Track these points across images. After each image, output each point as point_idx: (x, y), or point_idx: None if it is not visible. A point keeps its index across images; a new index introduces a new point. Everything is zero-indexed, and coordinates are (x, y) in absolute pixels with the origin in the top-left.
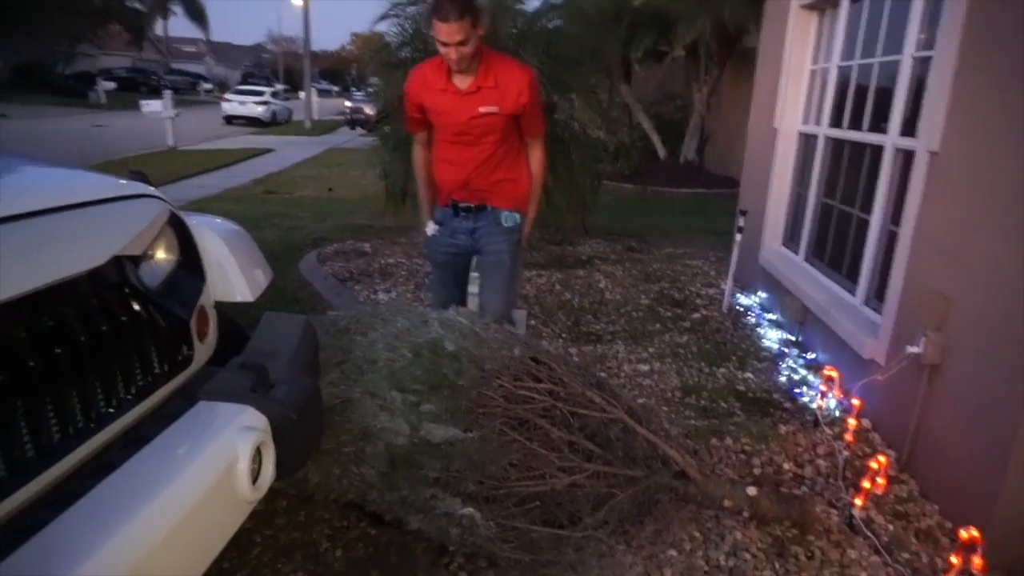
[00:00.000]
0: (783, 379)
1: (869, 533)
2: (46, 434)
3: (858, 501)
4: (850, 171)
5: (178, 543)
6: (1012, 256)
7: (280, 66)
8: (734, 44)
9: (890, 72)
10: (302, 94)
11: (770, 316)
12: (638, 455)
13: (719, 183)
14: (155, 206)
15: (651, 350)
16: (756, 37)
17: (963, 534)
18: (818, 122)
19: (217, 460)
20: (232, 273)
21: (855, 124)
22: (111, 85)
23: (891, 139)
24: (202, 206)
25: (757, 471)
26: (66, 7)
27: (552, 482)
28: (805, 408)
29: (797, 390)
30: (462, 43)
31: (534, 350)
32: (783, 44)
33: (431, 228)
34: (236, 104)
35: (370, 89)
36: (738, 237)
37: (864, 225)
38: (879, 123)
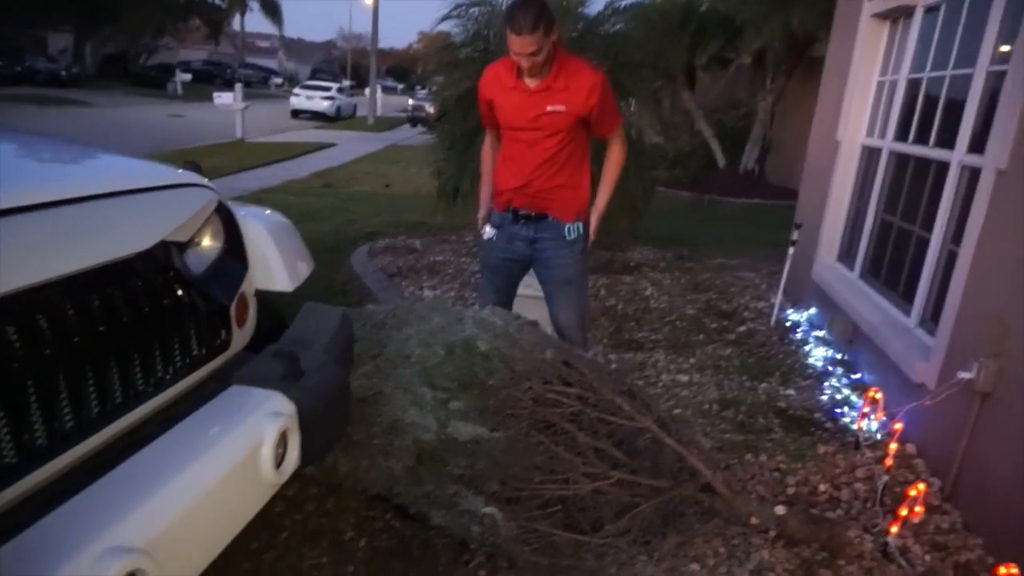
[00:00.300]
0: (826, 398)
1: (904, 562)
2: (86, 408)
3: (893, 528)
4: (912, 187)
5: (200, 516)
6: None
7: (348, 63)
8: (803, 52)
9: (962, 86)
10: (367, 90)
11: (818, 333)
12: (665, 466)
13: (779, 194)
14: (204, 195)
15: (692, 361)
16: (826, 46)
17: (1002, 571)
18: (883, 135)
19: (243, 442)
20: (274, 263)
21: (921, 139)
22: (187, 77)
23: (958, 155)
24: (262, 197)
25: (791, 490)
26: (152, 2)
27: (576, 487)
28: (847, 429)
29: (839, 410)
30: (534, 53)
31: (566, 354)
32: (851, 54)
33: (488, 231)
34: (303, 99)
35: (432, 88)
36: (791, 250)
37: (924, 244)
38: (946, 139)
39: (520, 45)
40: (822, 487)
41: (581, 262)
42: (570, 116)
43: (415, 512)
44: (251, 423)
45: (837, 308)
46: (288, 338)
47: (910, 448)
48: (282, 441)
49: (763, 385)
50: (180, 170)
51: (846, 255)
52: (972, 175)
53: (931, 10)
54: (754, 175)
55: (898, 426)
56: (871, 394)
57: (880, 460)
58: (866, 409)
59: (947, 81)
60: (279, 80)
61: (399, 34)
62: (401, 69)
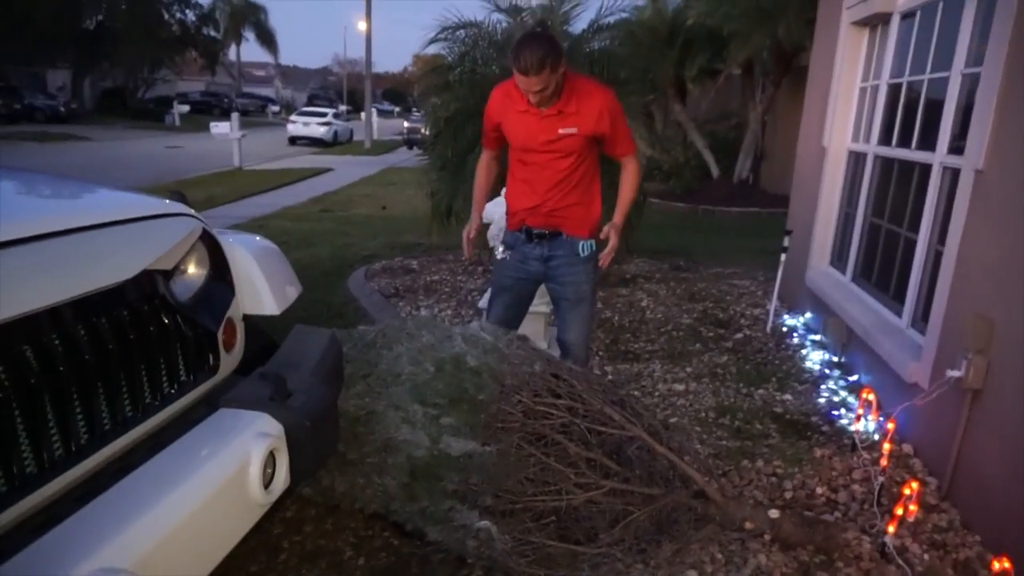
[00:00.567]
0: (823, 401)
1: (902, 562)
2: (74, 435)
3: (890, 528)
4: (898, 190)
5: (189, 536)
6: None
7: (344, 88)
8: (790, 61)
9: (940, 89)
10: (363, 115)
11: (814, 337)
12: (657, 474)
13: (774, 202)
14: (187, 224)
15: (688, 370)
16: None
17: (995, 565)
18: (867, 140)
19: (230, 463)
20: (261, 288)
21: (904, 142)
22: (185, 108)
23: (939, 157)
24: (261, 224)
25: (788, 494)
26: (148, 36)
27: (569, 498)
28: (843, 431)
29: (836, 413)
30: (542, 90)
31: (555, 367)
32: (833, 61)
33: (500, 252)
34: (300, 125)
35: (427, 109)
36: (783, 257)
37: (911, 245)
38: (928, 141)
39: (527, 84)
40: (819, 490)
41: (594, 279)
42: (582, 137)
43: (412, 529)
44: (238, 444)
45: (831, 312)
46: (276, 360)
47: (907, 448)
48: (270, 461)
49: (760, 391)
50: (166, 200)
51: (838, 259)
52: (953, 176)
53: (907, 16)
54: (748, 184)
55: (891, 426)
56: (865, 395)
57: (876, 461)
58: (861, 411)
59: (925, 84)
60: (276, 108)
61: (393, 57)
62: (396, 92)
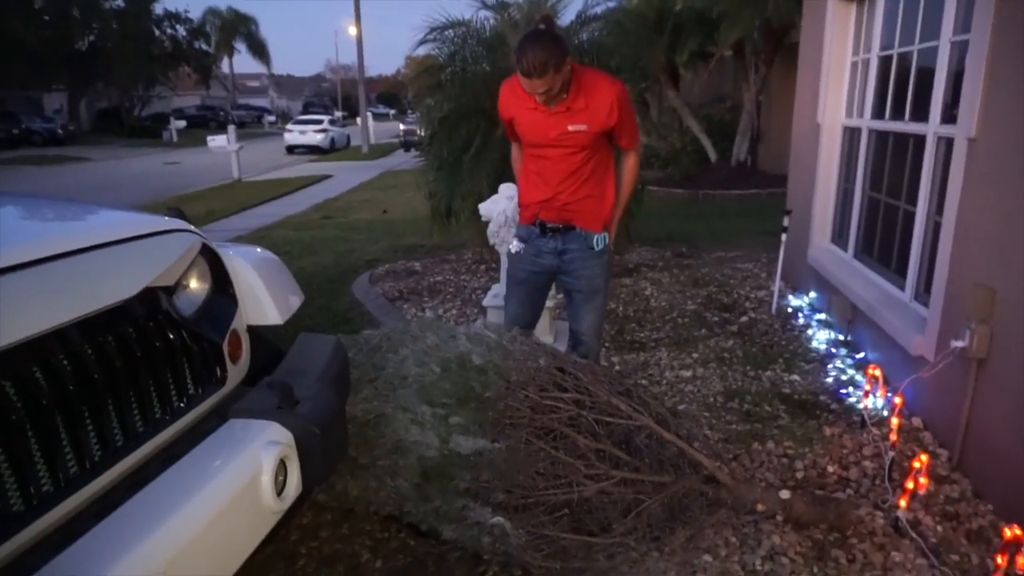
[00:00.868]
0: (830, 380)
1: (915, 535)
2: (87, 452)
3: (902, 502)
4: (895, 163)
5: (204, 547)
6: None
7: (339, 94)
8: (781, 40)
9: (930, 59)
10: (359, 119)
11: (819, 316)
12: (667, 461)
13: (774, 182)
14: (186, 239)
15: (695, 356)
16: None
17: (1006, 532)
18: (861, 115)
19: (242, 473)
20: (263, 298)
21: (897, 114)
22: (182, 124)
23: (932, 128)
24: (264, 234)
25: (800, 475)
26: (141, 54)
27: (580, 490)
28: (852, 409)
29: (844, 391)
30: (547, 91)
31: (560, 360)
32: (822, 37)
33: (515, 246)
34: (296, 134)
35: (421, 110)
36: (784, 237)
37: (910, 218)
38: (921, 112)
39: (531, 87)
40: (831, 469)
41: (607, 272)
42: (592, 133)
43: (427, 529)
44: (249, 454)
45: (835, 290)
46: (283, 369)
47: (916, 422)
48: (282, 469)
49: (767, 373)
50: (164, 217)
51: (838, 236)
52: (948, 146)
53: None
54: (747, 166)
55: (898, 400)
56: (871, 371)
57: (886, 437)
58: (868, 387)
59: (915, 55)
60: (272, 118)
61: (386, 60)
62: (391, 95)
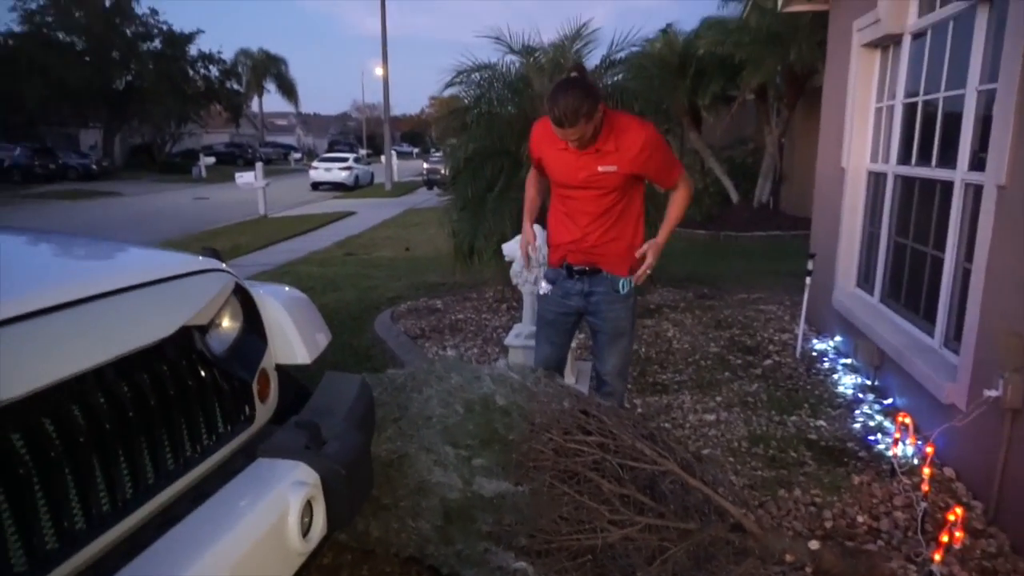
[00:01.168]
0: (858, 426)
1: None
2: (120, 490)
3: (936, 556)
4: (921, 208)
5: None
6: None
7: (364, 132)
8: (803, 84)
9: (956, 107)
10: (383, 157)
11: (845, 361)
12: (692, 507)
13: (796, 224)
14: (221, 279)
15: (718, 399)
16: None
17: None
18: (886, 160)
19: (269, 513)
20: (292, 337)
21: (924, 160)
22: (211, 160)
23: (960, 174)
24: (288, 269)
25: (828, 524)
26: (175, 93)
27: (604, 535)
28: (881, 456)
29: (872, 438)
30: (579, 138)
31: (584, 403)
32: (846, 83)
33: (544, 287)
34: (322, 171)
35: (446, 150)
36: (808, 281)
37: (938, 264)
38: (948, 158)
39: (563, 134)
40: (860, 519)
41: (632, 314)
42: (621, 176)
43: (448, 572)
44: (277, 494)
45: (861, 334)
46: (310, 408)
47: (948, 472)
48: (307, 510)
49: (792, 418)
50: (199, 257)
51: (864, 280)
52: (976, 192)
53: (918, 36)
54: (769, 208)
55: (930, 449)
56: (901, 419)
57: (917, 486)
58: (897, 434)
59: (941, 103)
60: (298, 155)
61: (411, 99)
62: (415, 134)
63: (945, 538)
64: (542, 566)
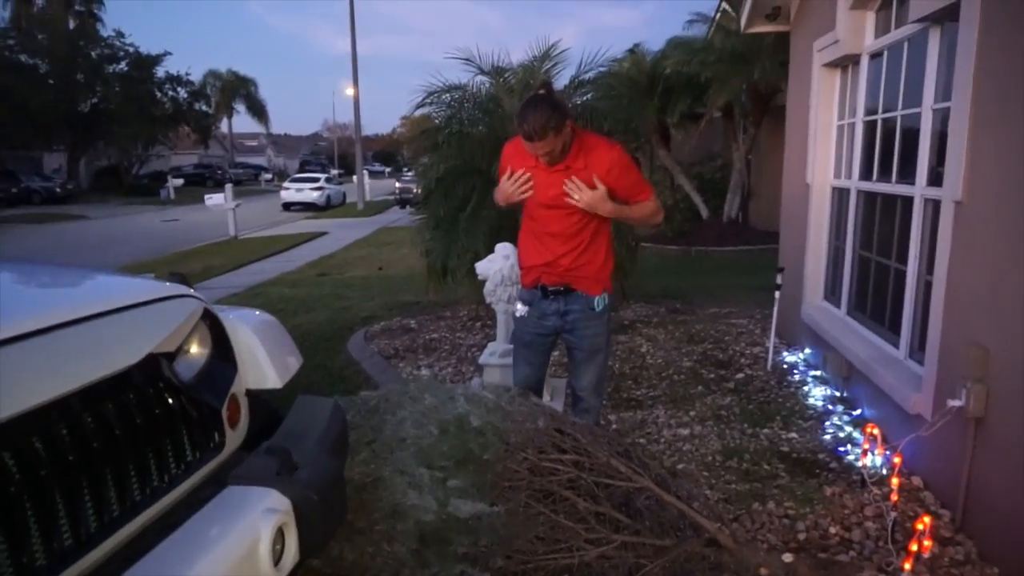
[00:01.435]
0: (828, 437)
1: None
2: (83, 523)
3: (906, 565)
4: (884, 223)
5: None
6: None
7: (335, 152)
8: (768, 102)
9: (914, 124)
10: (355, 177)
11: (815, 373)
12: (668, 524)
13: (765, 239)
14: (189, 305)
15: (692, 413)
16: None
17: None
18: (849, 176)
19: (239, 542)
20: (263, 362)
21: (884, 176)
22: (179, 182)
23: (919, 190)
24: (259, 291)
25: (802, 536)
26: (142, 115)
27: (580, 554)
28: (852, 467)
29: (843, 448)
30: (548, 152)
31: (559, 421)
32: (809, 102)
33: (520, 309)
34: (293, 191)
35: (418, 168)
36: (777, 295)
37: (902, 276)
38: (907, 174)
39: (533, 148)
40: (832, 530)
41: (607, 331)
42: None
43: None
44: (248, 522)
45: (829, 346)
46: (281, 433)
47: (916, 481)
48: (279, 537)
49: (765, 431)
50: (166, 283)
51: (831, 293)
52: (935, 207)
53: (875, 56)
54: (738, 223)
55: (898, 459)
56: (869, 429)
57: (887, 496)
58: (866, 445)
59: (899, 120)
60: (269, 175)
61: (382, 119)
62: (387, 153)
63: (914, 547)
64: None
